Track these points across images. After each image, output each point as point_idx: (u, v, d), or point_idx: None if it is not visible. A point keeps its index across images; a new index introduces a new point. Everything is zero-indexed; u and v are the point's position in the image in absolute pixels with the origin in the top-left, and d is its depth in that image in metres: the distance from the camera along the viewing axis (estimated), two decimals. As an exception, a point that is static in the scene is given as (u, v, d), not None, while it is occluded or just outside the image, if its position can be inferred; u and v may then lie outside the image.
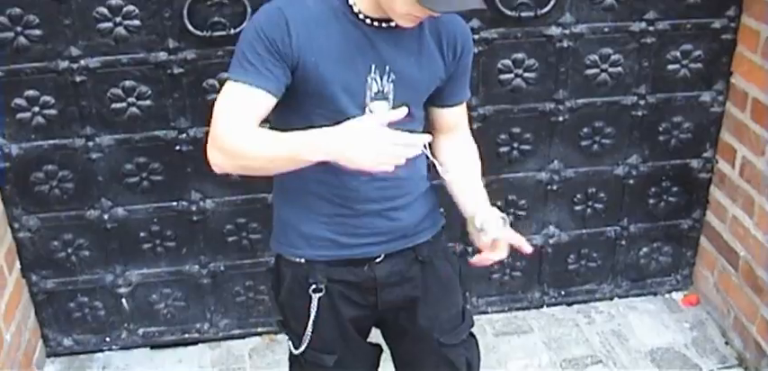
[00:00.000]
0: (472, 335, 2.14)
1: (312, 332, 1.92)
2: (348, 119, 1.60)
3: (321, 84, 1.69)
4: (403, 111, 1.61)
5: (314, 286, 1.88)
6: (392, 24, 1.70)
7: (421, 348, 2.06)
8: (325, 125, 1.61)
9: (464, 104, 1.98)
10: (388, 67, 1.73)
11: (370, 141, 1.53)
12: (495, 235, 1.84)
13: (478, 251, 1.90)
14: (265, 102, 1.66)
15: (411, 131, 1.64)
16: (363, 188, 1.79)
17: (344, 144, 1.54)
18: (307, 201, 1.83)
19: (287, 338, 2.03)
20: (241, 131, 1.63)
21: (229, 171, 1.71)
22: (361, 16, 1.70)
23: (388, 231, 1.88)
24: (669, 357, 2.98)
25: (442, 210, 2.06)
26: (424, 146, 1.61)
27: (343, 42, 1.69)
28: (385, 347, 2.17)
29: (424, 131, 1.82)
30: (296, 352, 1.98)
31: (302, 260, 1.90)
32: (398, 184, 1.84)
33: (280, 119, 1.75)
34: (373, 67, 1.72)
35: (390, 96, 1.75)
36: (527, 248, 1.87)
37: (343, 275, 1.90)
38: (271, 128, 1.72)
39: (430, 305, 2.00)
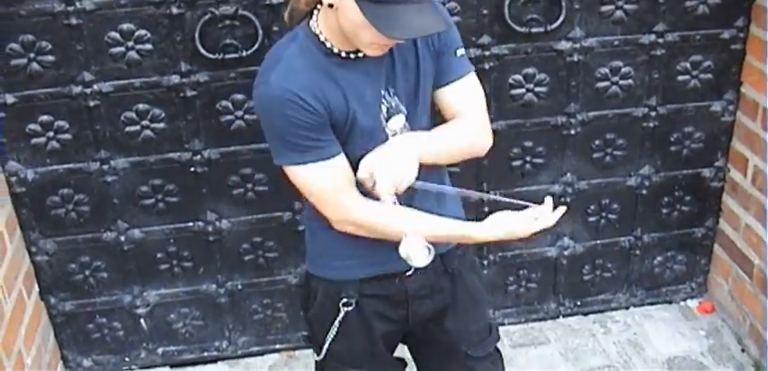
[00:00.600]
0: (498, 350, 2.13)
1: (339, 346, 1.92)
2: (374, 143, 1.68)
3: (350, 125, 1.70)
4: None
5: (344, 301, 1.87)
6: (360, 55, 1.68)
7: (449, 361, 2.03)
8: (354, 156, 1.69)
9: (465, 85, 1.84)
10: (391, 87, 1.74)
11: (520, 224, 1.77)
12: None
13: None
14: (344, 162, 1.70)
15: (425, 129, 1.78)
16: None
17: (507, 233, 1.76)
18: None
19: (312, 351, 2.03)
20: (363, 205, 1.72)
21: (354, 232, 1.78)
22: (342, 54, 1.68)
23: None
24: (686, 365, 2.93)
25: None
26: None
27: (349, 81, 1.68)
28: (410, 361, 2.14)
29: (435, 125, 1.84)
30: (318, 359, 1.99)
31: (334, 278, 1.89)
32: (441, 202, 1.84)
33: None
34: (381, 90, 1.72)
35: (402, 107, 1.76)
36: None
37: (375, 289, 1.88)
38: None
39: (458, 317, 1.99)
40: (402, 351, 2.12)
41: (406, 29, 1.52)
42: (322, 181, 1.69)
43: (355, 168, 1.70)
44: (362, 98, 1.70)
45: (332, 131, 1.68)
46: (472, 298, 2.02)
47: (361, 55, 1.67)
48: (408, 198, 1.73)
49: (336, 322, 1.90)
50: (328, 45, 1.67)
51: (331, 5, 1.59)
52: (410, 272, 1.86)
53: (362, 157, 1.68)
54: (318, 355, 1.98)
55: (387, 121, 1.74)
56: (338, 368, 1.98)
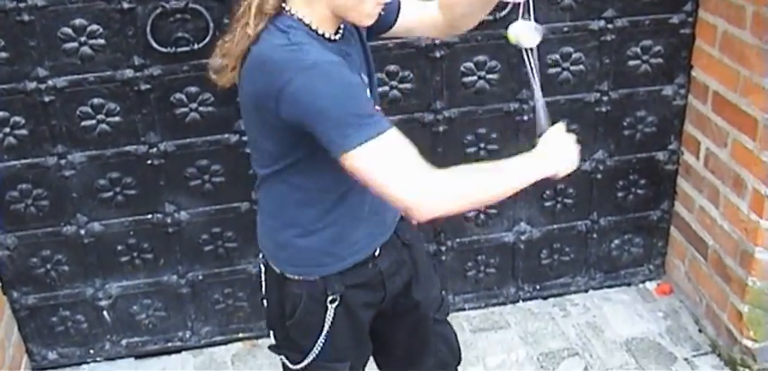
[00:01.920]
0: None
1: (326, 343, 1.82)
2: None
3: None
4: None
5: (331, 298, 1.78)
6: (336, 37, 1.64)
7: (419, 329, 2.03)
8: None
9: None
10: (365, 65, 1.76)
11: (569, 150, 1.71)
12: None
13: None
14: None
15: None
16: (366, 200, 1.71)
17: (558, 162, 1.69)
18: (317, 226, 1.72)
19: (284, 356, 1.90)
20: (432, 171, 1.50)
21: (436, 215, 1.54)
22: (332, 39, 1.62)
23: (380, 224, 1.82)
24: (644, 346, 2.93)
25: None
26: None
27: (352, 63, 1.64)
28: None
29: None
30: (297, 367, 1.87)
31: (317, 278, 1.78)
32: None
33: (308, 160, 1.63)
34: (361, 74, 1.71)
35: (375, 94, 1.80)
36: None
37: (356, 278, 1.81)
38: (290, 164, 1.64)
39: (421, 285, 1.98)
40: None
41: None
42: (395, 148, 1.48)
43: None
44: (361, 76, 1.70)
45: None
46: (426, 264, 2.02)
47: (337, 37, 1.63)
48: None
49: (327, 323, 1.80)
50: (320, 32, 1.59)
51: None
52: (377, 252, 1.83)
53: None
54: (299, 362, 1.85)
55: None
56: (327, 366, 1.88)
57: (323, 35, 1.59)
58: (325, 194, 1.70)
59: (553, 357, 2.89)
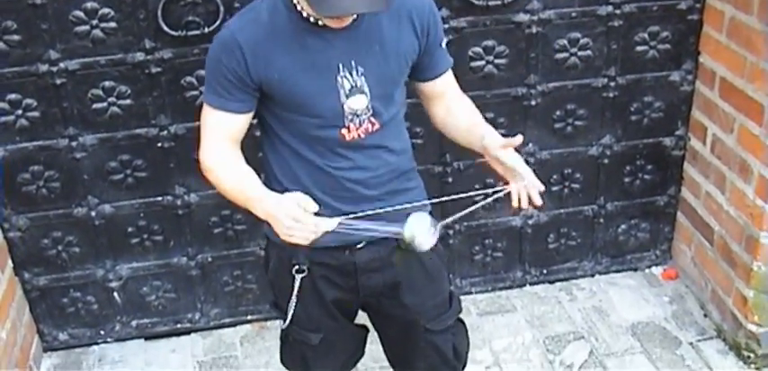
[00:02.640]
0: (460, 320, 2.15)
1: (298, 311, 1.96)
2: (325, 120, 1.75)
3: (290, 95, 1.74)
4: None
5: (297, 267, 1.91)
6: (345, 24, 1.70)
7: (408, 334, 2.06)
8: (308, 128, 1.77)
9: (449, 72, 1.97)
10: (354, 63, 1.74)
11: (285, 221, 1.66)
12: (499, 146, 1.81)
13: (505, 183, 1.85)
14: (237, 122, 1.79)
15: (394, 116, 1.84)
16: (353, 175, 1.82)
17: (271, 216, 1.70)
18: (293, 191, 1.79)
19: (277, 316, 2.08)
20: (223, 159, 1.80)
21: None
22: (311, 20, 1.69)
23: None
24: (649, 331, 2.95)
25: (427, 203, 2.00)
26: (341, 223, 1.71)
27: (303, 52, 1.71)
28: (372, 328, 2.17)
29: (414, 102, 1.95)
30: (284, 326, 2.03)
31: (286, 244, 1.85)
32: (391, 168, 1.88)
33: (274, 118, 1.81)
34: (340, 66, 1.73)
35: (366, 89, 1.76)
36: (537, 200, 1.81)
37: (324, 258, 1.90)
38: (266, 123, 1.84)
39: (415, 293, 2.00)
40: (365, 319, 2.15)
41: (335, 7, 1.56)
42: (210, 124, 1.80)
43: (305, 138, 1.78)
44: (316, 66, 1.72)
45: (250, 96, 1.76)
46: (428, 274, 2.02)
47: (321, 22, 1.69)
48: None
49: (294, 290, 1.93)
50: (299, 8, 1.68)
51: None
52: (361, 245, 1.88)
53: (317, 126, 1.76)
54: (284, 321, 2.01)
55: (347, 98, 1.75)
56: (301, 333, 2.02)
57: (301, 13, 1.69)
58: (281, 168, 1.86)
59: (559, 340, 2.91)
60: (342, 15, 1.64)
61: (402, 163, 1.92)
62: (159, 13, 2.44)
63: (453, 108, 1.99)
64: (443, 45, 1.92)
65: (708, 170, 2.91)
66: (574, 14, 2.73)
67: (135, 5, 2.45)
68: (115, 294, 2.91)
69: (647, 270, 3.26)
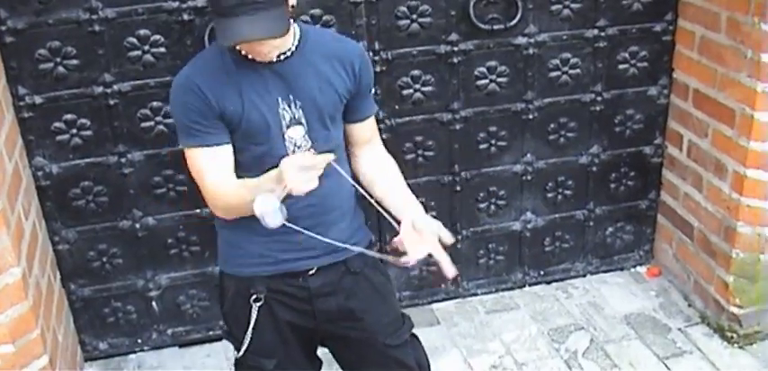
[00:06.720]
0: (415, 336, 2.25)
1: (253, 338, 2.04)
2: (271, 148, 1.87)
3: (245, 123, 1.88)
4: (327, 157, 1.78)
5: (254, 296, 2.01)
6: (281, 58, 1.87)
7: (369, 353, 2.15)
8: (259, 156, 1.88)
9: (373, 119, 2.11)
10: (292, 96, 1.90)
11: (294, 172, 1.71)
12: (426, 228, 1.86)
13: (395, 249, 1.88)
14: (222, 153, 1.89)
15: (331, 149, 1.90)
16: (293, 208, 1.82)
17: (280, 178, 1.73)
18: (247, 223, 1.88)
19: (230, 344, 2.16)
20: (226, 185, 1.87)
21: (234, 217, 1.95)
22: (249, 57, 1.86)
23: (319, 247, 1.96)
24: (641, 319, 3.21)
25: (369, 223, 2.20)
26: (331, 163, 1.77)
27: (247, 87, 1.87)
28: (332, 363, 2.29)
29: (344, 149, 2.04)
30: (238, 356, 2.10)
31: (243, 276, 2.03)
32: (323, 202, 1.95)
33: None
34: (279, 99, 1.89)
35: (303, 121, 1.92)
36: (449, 272, 1.86)
37: (280, 285, 2.02)
38: None
39: (368, 312, 2.11)
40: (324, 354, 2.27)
41: (232, 36, 1.72)
42: (202, 164, 1.89)
43: (254, 165, 1.88)
44: (260, 99, 1.87)
45: (222, 126, 1.87)
46: (378, 293, 2.13)
47: (276, 61, 1.87)
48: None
49: (252, 319, 2.02)
50: (238, 49, 1.85)
51: None
52: (312, 271, 2.02)
53: (262, 154, 1.88)
54: (238, 351, 2.09)
55: (287, 128, 1.90)
56: (256, 360, 2.09)
57: (239, 53, 1.85)
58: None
59: (561, 331, 3.16)
60: (239, 43, 1.76)
61: (337, 203, 2.01)
62: (206, 38, 2.66)
63: (378, 163, 2.11)
64: (371, 93, 2.07)
65: (685, 173, 3.22)
66: (565, 37, 3.03)
67: (183, 32, 2.68)
68: (154, 303, 3.07)
69: (632, 269, 3.54)
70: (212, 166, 1.88)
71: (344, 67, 1.96)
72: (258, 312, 2.01)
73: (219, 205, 1.93)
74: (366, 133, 2.11)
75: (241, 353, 2.08)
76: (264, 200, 1.73)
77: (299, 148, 1.92)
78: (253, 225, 1.79)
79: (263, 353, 2.08)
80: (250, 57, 1.86)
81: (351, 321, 2.10)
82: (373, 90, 2.10)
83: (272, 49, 1.84)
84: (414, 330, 2.24)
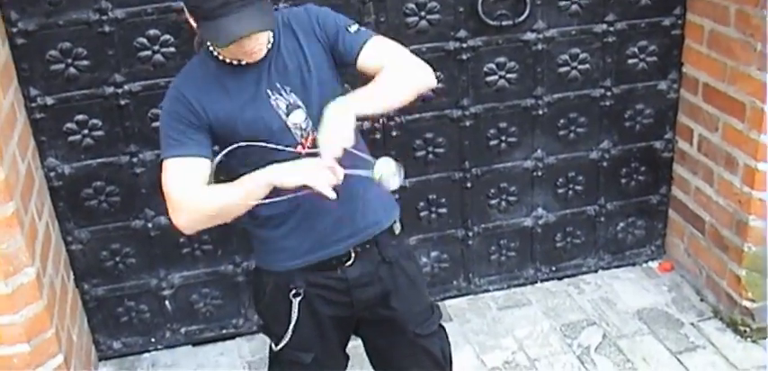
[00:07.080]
0: (442, 327, 2.28)
1: (294, 332, 2.05)
2: (278, 140, 1.84)
3: (240, 123, 1.88)
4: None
5: (294, 291, 2.03)
6: (243, 63, 1.88)
7: (399, 341, 2.18)
8: (268, 154, 1.83)
9: (374, 45, 1.96)
10: (279, 85, 1.90)
11: (313, 170, 1.73)
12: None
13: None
14: (201, 165, 1.87)
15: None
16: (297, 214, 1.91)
17: (294, 172, 1.76)
18: (281, 219, 1.94)
19: (267, 338, 2.19)
20: (194, 190, 1.86)
21: (195, 229, 1.95)
22: (233, 63, 1.88)
23: (351, 228, 2.01)
24: (654, 314, 3.20)
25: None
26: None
27: (235, 91, 1.88)
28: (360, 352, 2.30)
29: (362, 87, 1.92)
30: (276, 349, 2.12)
31: (282, 270, 2.04)
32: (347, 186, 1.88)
33: (239, 163, 1.90)
34: (268, 92, 1.89)
35: (300, 103, 1.91)
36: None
37: (319, 279, 2.04)
38: (236, 174, 1.90)
39: (402, 300, 2.13)
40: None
41: (227, 35, 1.72)
42: (177, 172, 1.87)
43: (256, 163, 1.85)
44: (253, 98, 1.88)
45: (207, 140, 1.88)
46: (412, 282, 2.16)
47: (244, 63, 1.87)
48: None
49: (293, 314, 2.03)
50: (220, 57, 1.88)
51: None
52: (350, 262, 2.04)
53: (272, 150, 1.83)
54: (276, 345, 2.11)
55: (287, 116, 1.90)
56: (293, 354, 2.10)
57: (223, 60, 1.88)
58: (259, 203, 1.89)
59: (574, 327, 3.15)
60: (236, 40, 1.74)
61: (361, 186, 1.97)
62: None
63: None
64: (353, 29, 1.97)
65: (696, 167, 3.21)
66: (573, 32, 3.03)
67: (193, 32, 2.68)
68: (167, 302, 3.08)
69: (644, 265, 3.52)
70: (191, 175, 1.86)
71: (307, 33, 1.94)
72: (299, 306, 2.03)
73: (193, 216, 1.90)
74: (372, 63, 1.95)
75: (279, 347, 2.09)
76: (385, 163, 1.76)
77: (303, 129, 1.91)
78: (287, 220, 1.89)
79: (301, 347, 2.09)
80: (234, 62, 1.88)
81: (386, 308, 2.12)
82: (355, 26, 1.98)
83: (261, 46, 1.85)
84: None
